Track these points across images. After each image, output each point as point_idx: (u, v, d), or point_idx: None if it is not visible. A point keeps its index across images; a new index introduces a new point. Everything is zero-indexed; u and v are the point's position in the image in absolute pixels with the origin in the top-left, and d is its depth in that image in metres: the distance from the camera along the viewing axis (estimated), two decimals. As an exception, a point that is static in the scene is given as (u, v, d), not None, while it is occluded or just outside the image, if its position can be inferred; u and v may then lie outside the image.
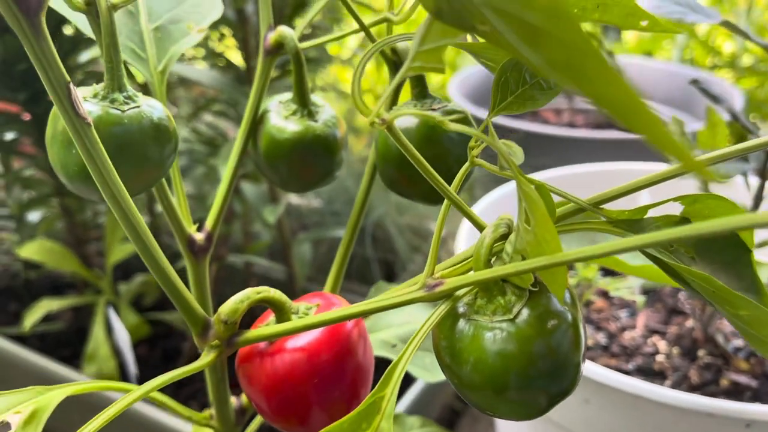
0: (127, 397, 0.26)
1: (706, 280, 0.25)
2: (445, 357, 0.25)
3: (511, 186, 0.75)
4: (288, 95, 0.37)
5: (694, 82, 0.54)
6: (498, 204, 0.73)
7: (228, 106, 0.82)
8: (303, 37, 0.36)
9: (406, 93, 0.36)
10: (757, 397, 0.59)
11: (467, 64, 1.38)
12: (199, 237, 0.35)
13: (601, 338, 0.68)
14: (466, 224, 0.67)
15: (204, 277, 0.36)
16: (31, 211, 0.87)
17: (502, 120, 1.03)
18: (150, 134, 0.29)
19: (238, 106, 0.80)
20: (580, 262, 0.58)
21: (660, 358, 0.64)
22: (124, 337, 0.74)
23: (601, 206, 0.27)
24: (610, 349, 0.66)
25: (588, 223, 0.27)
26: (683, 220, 0.28)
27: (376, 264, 0.96)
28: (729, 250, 0.28)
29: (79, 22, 0.31)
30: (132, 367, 0.75)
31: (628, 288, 0.64)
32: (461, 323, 0.25)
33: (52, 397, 0.28)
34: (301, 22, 0.35)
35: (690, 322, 0.69)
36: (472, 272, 0.26)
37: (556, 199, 0.27)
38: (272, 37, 0.34)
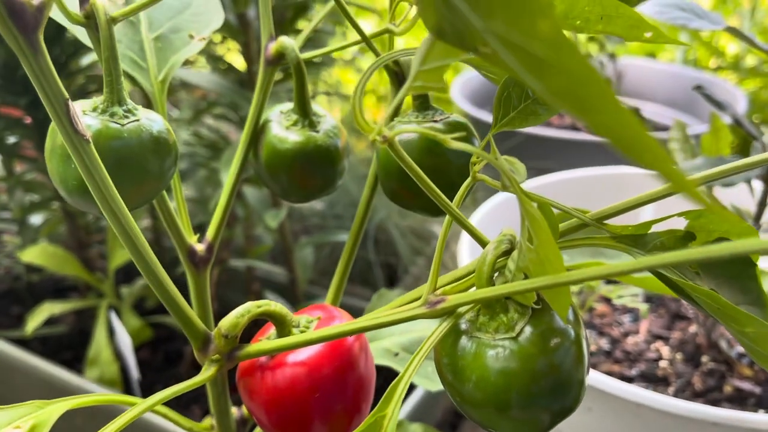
0: (131, 411, 0.26)
1: (711, 296, 0.25)
2: (447, 374, 0.25)
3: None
4: (289, 105, 0.36)
5: (698, 88, 0.54)
6: (500, 209, 0.73)
7: (229, 110, 0.82)
8: (305, 42, 0.36)
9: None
10: (760, 404, 0.59)
11: (469, 67, 1.38)
12: (200, 248, 0.35)
13: (604, 344, 0.67)
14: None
15: (205, 289, 0.36)
16: (33, 214, 0.87)
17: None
18: (150, 148, 0.29)
19: (240, 110, 0.80)
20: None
21: (663, 363, 0.64)
22: (126, 341, 0.74)
23: (605, 221, 0.27)
24: (613, 354, 0.66)
25: (591, 239, 0.27)
26: (688, 234, 0.27)
27: (378, 267, 0.95)
28: (733, 263, 0.28)
29: (79, 33, 0.31)
30: (134, 371, 0.75)
31: (632, 295, 0.64)
32: (463, 340, 0.25)
33: (51, 411, 0.28)
34: (302, 34, 0.35)
35: (693, 328, 0.68)
36: (474, 289, 0.25)
37: (559, 210, 0.26)
38: (273, 47, 0.34)
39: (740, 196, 0.62)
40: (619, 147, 0.12)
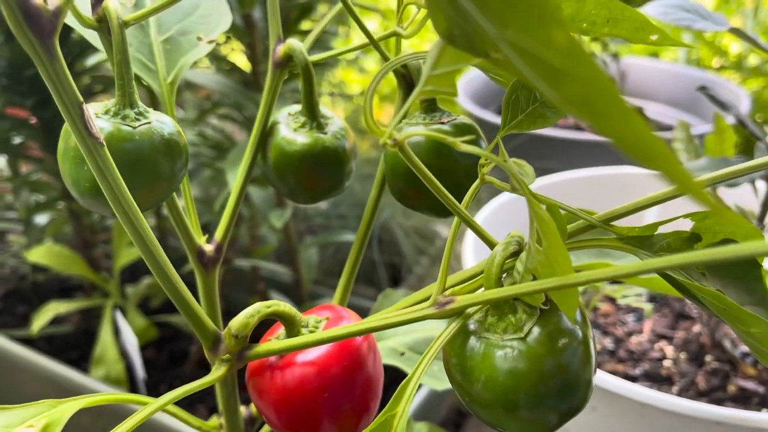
0: (143, 410, 0.26)
1: (717, 297, 0.25)
2: (456, 374, 0.25)
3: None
4: (297, 107, 0.37)
5: (702, 88, 0.54)
6: (504, 209, 0.73)
7: (234, 110, 0.82)
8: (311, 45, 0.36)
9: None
10: (764, 403, 0.59)
11: (472, 67, 1.38)
12: (209, 248, 0.35)
13: (608, 343, 0.68)
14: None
15: (214, 289, 0.36)
16: (38, 214, 0.88)
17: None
18: (161, 150, 0.29)
19: (244, 110, 0.80)
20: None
21: (667, 363, 0.64)
22: (131, 340, 0.75)
23: (612, 222, 0.27)
24: (617, 354, 0.66)
25: (599, 240, 0.27)
26: (693, 236, 0.27)
27: (382, 267, 0.96)
28: (739, 265, 0.28)
29: (90, 37, 0.31)
30: (139, 370, 0.75)
31: (636, 295, 0.64)
32: (472, 341, 0.25)
33: (64, 410, 0.28)
34: (310, 37, 0.35)
35: (697, 327, 0.68)
36: (482, 290, 0.26)
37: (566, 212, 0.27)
38: (281, 49, 0.35)
39: (744, 197, 0.63)
40: (632, 153, 0.13)
